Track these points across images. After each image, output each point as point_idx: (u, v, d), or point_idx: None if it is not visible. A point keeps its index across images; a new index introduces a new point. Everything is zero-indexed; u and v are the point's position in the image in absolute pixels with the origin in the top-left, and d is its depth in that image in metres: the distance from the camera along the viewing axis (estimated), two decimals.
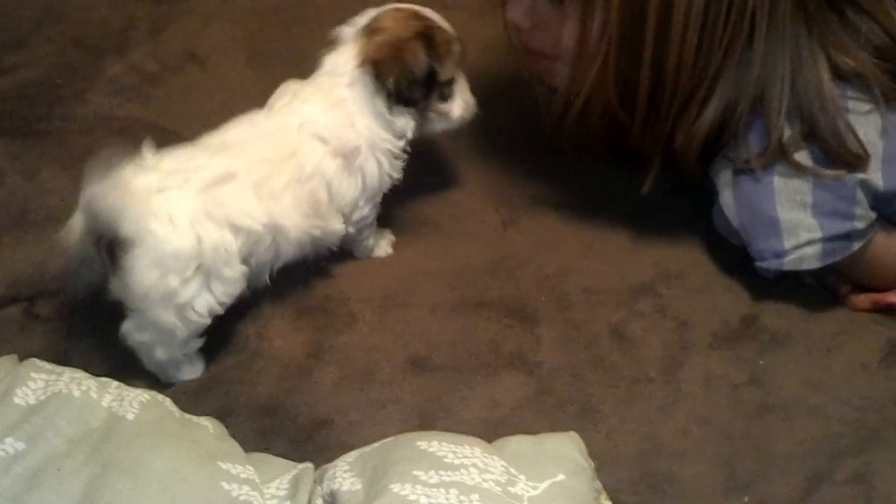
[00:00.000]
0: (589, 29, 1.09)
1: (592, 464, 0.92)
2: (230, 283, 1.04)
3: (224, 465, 0.83)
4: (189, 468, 0.81)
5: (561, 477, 0.83)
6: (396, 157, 1.15)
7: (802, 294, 1.17)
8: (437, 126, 1.20)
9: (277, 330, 1.12)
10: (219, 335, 1.10)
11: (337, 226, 1.13)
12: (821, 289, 1.18)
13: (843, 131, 1.08)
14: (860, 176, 1.08)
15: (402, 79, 1.11)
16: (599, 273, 1.19)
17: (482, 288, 1.16)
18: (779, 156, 1.09)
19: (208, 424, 0.90)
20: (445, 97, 1.18)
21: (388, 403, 1.05)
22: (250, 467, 0.85)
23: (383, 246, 1.23)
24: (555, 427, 1.01)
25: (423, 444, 0.83)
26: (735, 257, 1.21)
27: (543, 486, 0.82)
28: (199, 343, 1.07)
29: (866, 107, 1.10)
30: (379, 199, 1.18)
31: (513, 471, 0.82)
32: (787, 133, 1.09)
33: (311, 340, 1.11)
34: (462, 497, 0.77)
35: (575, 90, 1.14)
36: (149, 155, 1.03)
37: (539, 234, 1.23)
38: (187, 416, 0.90)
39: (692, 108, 1.10)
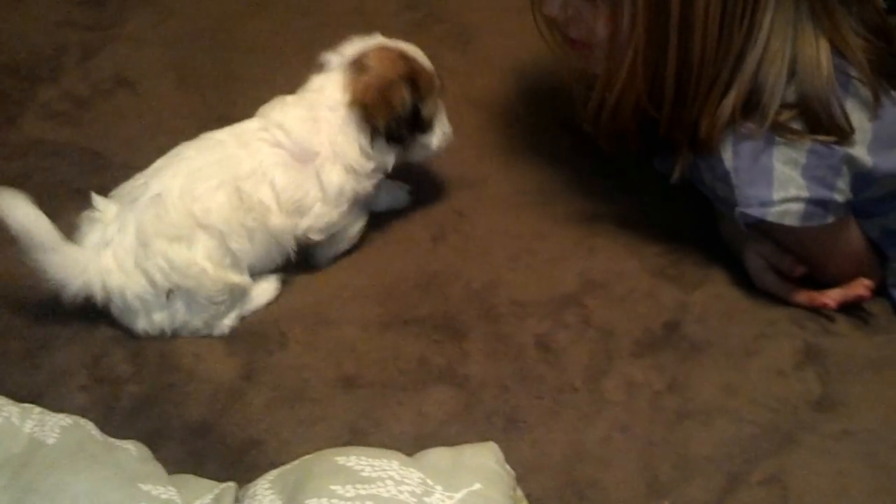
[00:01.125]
0: (619, 23, 1.13)
1: (513, 472, 0.95)
2: (202, 285, 1.11)
3: (145, 487, 0.85)
4: (109, 491, 0.82)
5: (477, 486, 0.85)
6: (366, 177, 1.20)
7: (723, 300, 1.21)
8: (418, 156, 1.26)
9: (212, 351, 1.13)
10: (154, 354, 1.12)
11: (276, 221, 1.15)
12: (746, 287, 1.23)
13: (832, 104, 1.11)
14: (847, 150, 1.12)
15: (390, 121, 1.17)
16: (526, 285, 1.22)
17: (412, 304, 1.19)
18: (775, 129, 1.12)
19: (131, 447, 0.92)
20: (425, 130, 1.22)
21: (318, 421, 1.07)
22: (172, 488, 0.87)
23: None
24: (482, 438, 1.03)
25: (340, 459, 0.85)
26: (658, 265, 1.25)
27: (459, 495, 0.84)
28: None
29: (860, 84, 1.14)
30: (356, 211, 1.22)
31: (430, 482, 0.84)
32: (783, 111, 1.12)
33: (243, 361, 1.13)
34: None
35: (609, 85, 1.17)
36: (99, 205, 1.12)
37: (467, 249, 1.26)
38: (110, 439, 0.91)
39: (716, 93, 1.13)
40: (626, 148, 1.25)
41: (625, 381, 1.12)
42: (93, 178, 1.30)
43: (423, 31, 1.56)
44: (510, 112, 1.45)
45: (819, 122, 1.12)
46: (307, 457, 0.91)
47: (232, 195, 1.13)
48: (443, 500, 0.83)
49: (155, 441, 1.03)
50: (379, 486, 0.83)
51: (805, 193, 1.12)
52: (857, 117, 1.14)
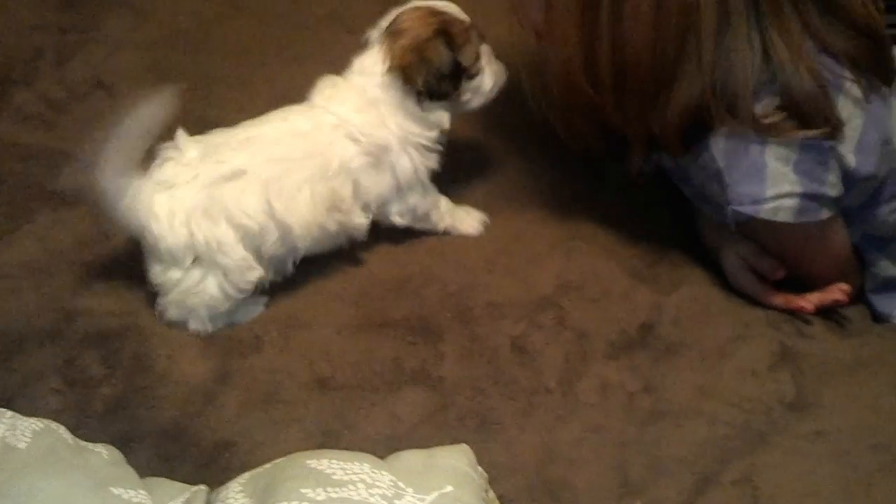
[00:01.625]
0: (554, 11, 1.14)
1: (485, 474, 0.95)
2: (232, 270, 1.11)
3: (116, 490, 0.84)
4: (80, 495, 0.81)
5: (448, 488, 0.85)
6: (430, 150, 1.22)
7: (699, 302, 1.22)
8: (474, 103, 1.26)
9: (185, 353, 1.13)
10: (127, 356, 1.12)
11: (358, 220, 1.19)
12: (723, 289, 1.24)
13: (820, 101, 1.11)
14: (834, 144, 1.12)
15: (430, 78, 1.18)
16: (502, 287, 1.22)
17: (387, 306, 1.19)
18: (765, 131, 1.11)
19: (103, 451, 0.91)
20: (473, 76, 1.23)
21: (291, 423, 1.07)
22: (143, 491, 0.86)
23: (469, 222, 1.28)
24: (456, 440, 1.03)
25: (312, 463, 0.85)
26: (635, 266, 1.26)
27: (430, 497, 0.83)
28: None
29: (850, 83, 1.14)
30: (427, 188, 1.24)
31: (401, 484, 0.84)
32: (772, 112, 1.11)
33: (217, 364, 1.12)
34: None
35: (548, 70, 1.18)
36: (182, 142, 1.13)
37: (444, 252, 1.26)
38: (82, 443, 0.91)
39: (661, 93, 1.12)
40: (590, 147, 1.25)
41: (599, 382, 1.13)
42: (68, 181, 1.30)
43: None
44: (489, 113, 1.44)
45: (809, 118, 1.12)
46: (279, 460, 0.90)
47: (317, 193, 1.14)
48: (414, 503, 0.83)
49: (128, 444, 1.03)
50: (350, 490, 0.82)
51: (798, 189, 1.12)
52: (847, 116, 1.14)
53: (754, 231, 1.20)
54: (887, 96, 1.18)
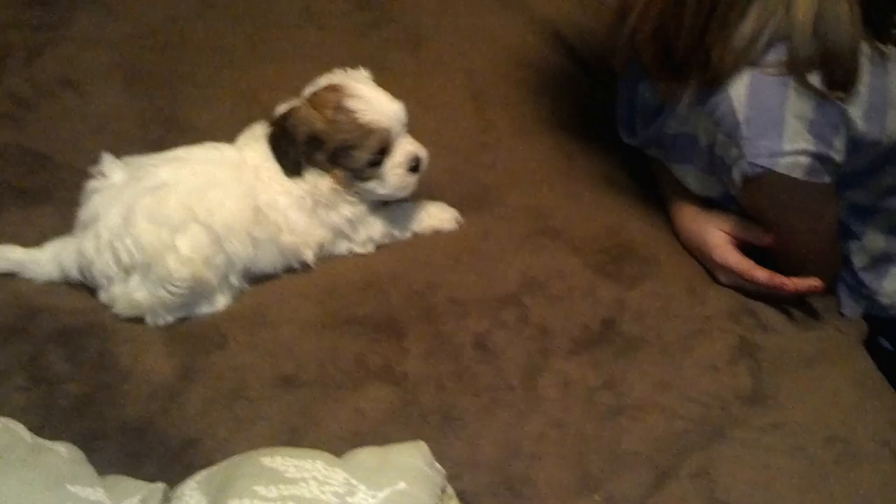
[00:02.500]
0: None
1: (443, 471, 0.96)
2: (156, 269, 1.13)
3: (73, 489, 0.86)
4: (36, 493, 0.83)
5: (402, 485, 0.86)
6: (338, 203, 1.21)
7: (661, 297, 1.23)
8: (370, 197, 1.23)
9: (150, 351, 1.13)
10: (93, 353, 1.12)
11: (288, 239, 1.20)
12: (686, 283, 1.25)
13: (856, 58, 1.13)
14: (847, 109, 1.14)
15: (274, 147, 1.19)
16: (467, 285, 1.23)
17: (352, 304, 1.19)
18: (793, 72, 1.13)
19: (61, 449, 0.92)
20: (366, 178, 1.20)
21: (255, 420, 1.08)
22: (100, 489, 0.88)
23: (443, 218, 1.29)
24: (418, 436, 1.05)
25: (266, 460, 0.87)
26: (600, 262, 1.27)
27: (383, 494, 0.85)
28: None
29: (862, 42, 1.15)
30: (374, 220, 1.24)
31: (353, 481, 0.86)
32: (805, 52, 1.12)
33: (182, 362, 1.13)
34: None
35: (629, 5, 1.17)
36: (107, 167, 1.18)
37: (411, 251, 1.27)
38: (40, 441, 0.92)
39: (732, 18, 1.12)
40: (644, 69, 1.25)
41: (561, 378, 1.14)
42: (36, 179, 1.30)
43: (374, 31, 1.57)
44: (458, 112, 1.46)
45: (837, 76, 1.13)
46: (235, 457, 0.92)
47: (244, 209, 1.17)
48: (366, 500, 0.85)
49: (93, 441, 1.05)
50: (301, 487, 0.84)
51: (812, 148, 1.14)
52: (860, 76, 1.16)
53: (754, 199, 1.21)
54: (891, 58, 1.20)
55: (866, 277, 1.29)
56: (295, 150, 1.17)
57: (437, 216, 1.29)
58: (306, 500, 0.82)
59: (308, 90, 1.21)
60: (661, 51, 1.17)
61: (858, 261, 1.28)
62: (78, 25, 1.51)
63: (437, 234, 1.29)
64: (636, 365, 1.16)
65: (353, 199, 1.22)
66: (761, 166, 1.15)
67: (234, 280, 1.19)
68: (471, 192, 1.35)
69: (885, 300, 1.29)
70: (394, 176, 1.20)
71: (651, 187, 1.38)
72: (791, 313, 1.25)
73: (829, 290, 1.30)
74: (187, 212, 1.14)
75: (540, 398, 1.12)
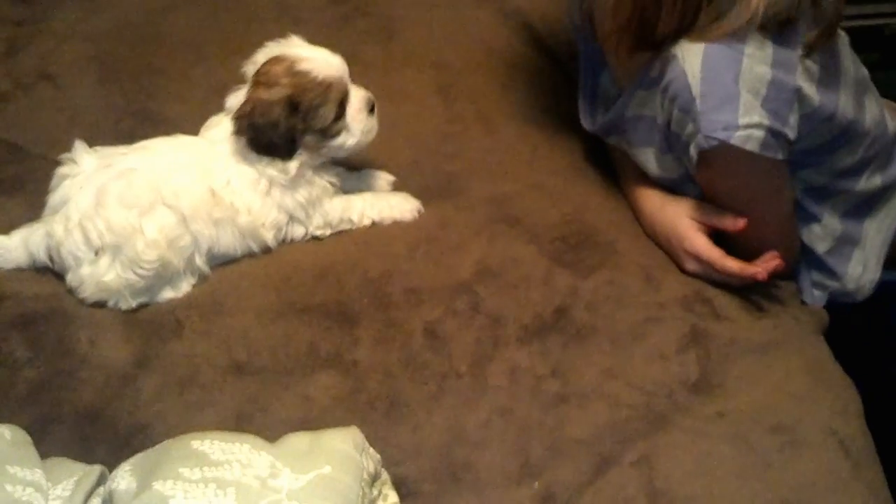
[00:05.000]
0: None
1: (377, 456, 0.98)
2: (126, 249, 1.16)
3: (12, 469, 0.89)
4: None
5: (327, 469, 0.88)
6: (297, 186, 1.23)
7: (615, 285, 1.24)
8: (338, 154, 1.26)
9: (107, 338, 1.16)
10: (52, 339, 1.15)
11: (245, 220, 1.22)
12: (642, 271, 1.26)
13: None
14: (799, 83, 1.15)
15: (257, 139, 1.19)
16: (423, 274, 1.24)
17: (308, 293, 1.21)
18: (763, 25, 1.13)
19: (6, 432, 0.96)
20: (333, 135, 1.22)
21: (206, 407, 1.11)
22: (38, 471, 0.91)
23: (404, 208, 1.31)
24: (365, 423, 1.07)
25: (195, 444, 0.89)
26: (556, 251, 1.28)
27: (307, 477, 0.87)
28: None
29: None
30: (328, 205, 1.26)
31: (279, 465, 0.88)
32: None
33: (137, 348, 1.15)
34: (219, 491, 0.83)
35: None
36: (79, 154, 1.20)
37: (369, 240, 1.28)
38: None
39: None
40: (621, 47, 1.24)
41: (509, 366, 1.15)
42: (8, 169, 1.33)
43: (348, 24, 1.58)
44: (426, 104, 1.47)
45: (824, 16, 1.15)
46: (168, 441, 0.94)
47: (203, 191, 1.20)
48: (289, 483, 0.87)
49: (48, 425, 1.08)
50: (224, 469, 0.86)
51: (766, 122, 1.15)
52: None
53: (710, 176, 1.22)
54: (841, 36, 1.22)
55: (831, 262, 1.29)
56: (279, 132, 1.18)
57: (398, 206, 1.31)
58: (227, 481, 0.84)
59: (250, 71, 1.22)
60: (641, 25, 1.18)
61: (821, 246, 1.28)
62: (57, 20, 1.55)
63: (396, 223, 1.30)
64: (585, 353, 1.16)
65: (312, 179, 1.24)
66: (716, 139, 1.15)
67: (200, 262, 1.21)
68: (434, 182, 1.36)
69: (850, 285, 1.29)
70: (357, 122, 1.23)
71: (613, 177, 1.39)
72: (748, 301, 1.24)
73: (791, 277, 1.30)
74: (155, 194, 1.17)
75: (487, 386, 1.13)
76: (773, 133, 1.15)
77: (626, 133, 1.29)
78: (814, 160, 1.24)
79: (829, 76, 1.19)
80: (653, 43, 1.18)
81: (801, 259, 1.31)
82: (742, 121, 1.14)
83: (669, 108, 1.19)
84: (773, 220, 1.26)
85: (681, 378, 1.14)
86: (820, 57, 1.18)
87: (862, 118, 1.24)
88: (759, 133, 1.15)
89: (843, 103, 1.20)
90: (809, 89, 1.17)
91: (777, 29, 1.14)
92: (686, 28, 1.16)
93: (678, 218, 1.27)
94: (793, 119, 1.16)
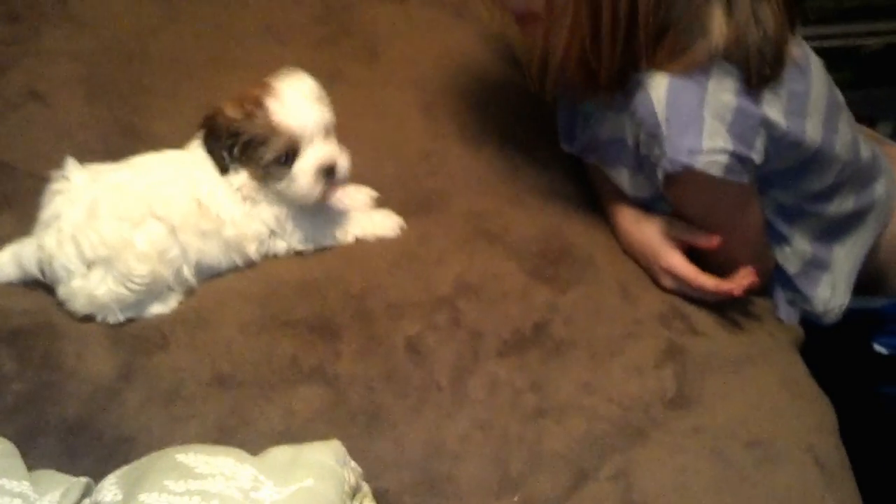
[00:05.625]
0: None
1: (358, 469, 1.00)
2: (118, 264, 1.17)
3: None
4: None
5: (309, 482, 0.90)
6: (258, 200, 1.24)
7: (594, 300, 1.26)
8: (286, 195, 1.25)
9: (94, 351, 1.18)
10: (39, 353, 1.16)
11: (230, 232, 1.24)
12: (620, 287, 1.28)
13: (780, 48, 1.17)
14: (764, 112, 1.18)
15: (204, 141, 1.23)
16: (404, 288, 1.26)
17: (291, 307, 1.23)
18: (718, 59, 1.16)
19: None
20: (276, 177, 1.22)
21: (190, 419, 1.12)
22: (26, 482, 0.92)
23: (386, 225, 1.32)
24: (346, 435, 1.09)
25: (180, 456, 0.90)
26: (535, 266, 1.30)
27: (289, 490, 0.89)
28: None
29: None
30: (306, 222, 1.28)
31: (262, 478, 0.89)
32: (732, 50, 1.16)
33: (123, 362, 1.16)
34: (203, 503, 0.84)
35: (554, 45, 1.21)
36: (71, 170, 1.22)
37: (351, 255, 1.30)
38: None
39: (650, 35, 1.16)
40: (575, 97, 1.30)
41: (489, 380, 1.17)
42: None
43: (333, 44, 1.61)
44: (409, 121, 1.49)
45: (762, 73, 1.17)
46: (154, 453, 0.96)
47: (191, 203, 1.22)
48: (272, 495, 0.88)
49: (34, 437, 1.09)
50: (209, 482, 0.88)
51: (730, 146, 1.17)
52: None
53: (678, 197, 1.25)
54: (811, 61, 1.24)
55: (800, 284, 1.31)
56: (220, 146, 1.21)
57: (380, 223, 1.33)
58: (212, 494, 0.86)
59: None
60: (588, 77, 1.21)
61: (791, 267, 1.30)
62: (46, 39, 1.56)
63: (378, 239, 1.32)
64: (564, 368, 1.18)
65: (270, 199, 1.25)
66: (681, 164, 1.17)
67: (188, 273, 1.23)
68: (416, 198, 1.38)
69: (819, 308, 1.31)
70: (300, 179, 1.22)
71: (591, 194, 1.41)
72: (724, 317, 1.27)
73: (766, 293, 1.32)
74: (146, 207, 1.20)
75: (467, 399, 1.15)
76: (738, 158, 1.18)
77: (601, 153, 1.31)
78: (782, 182, 1.27)
79: (797, 102, 1.21)
80: (605, 86, 1.21)
81: (775, 276, 1.33)
82: (706, 145, 1.17)
83: (637, 132, 1.22)
84: (742, 238, 1.28)
85: (658, 393, 1.16)
86: (787, 83, 1.20)
87: (832, 143, 1.25)
88: (723, 158, 1.17)
89: (811, 129, 1.22)
90: (776, 116, 1.19)
91: (742, 58, 1.16)
92: (631, 68, 1.19)
93: (654, 235, 1.30)
94: (759, 143, 1.19)
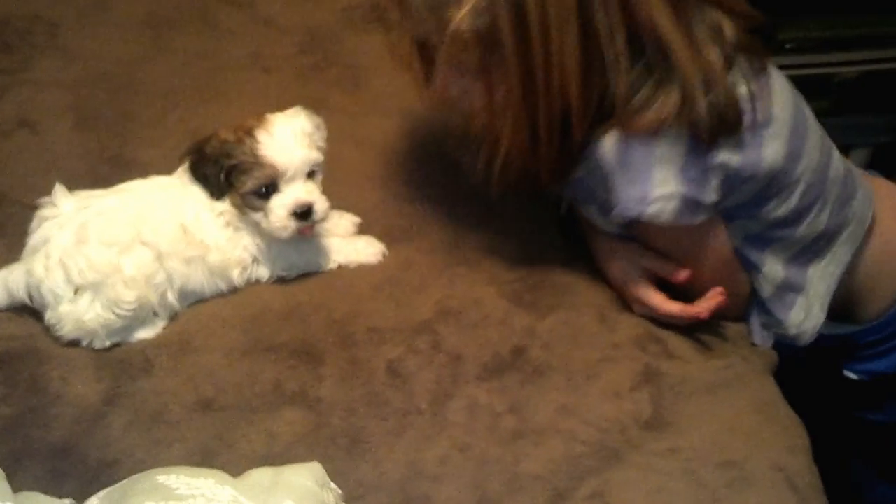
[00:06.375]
0: (495, 95, 1.20)
1: (338, 491, 1.02)
2: (107, 290, 1.19)
3: None
4: None
5: (288, 503, 0.92)
6: (241, 227, 1.27)
7: (571, 325, 1.29)
8: (260, 227, 1.27)
9: (79, 375, 1.20)
10: (25, 377, 1.18)
11: (215, 258, 1.26)
12: (598, 312, 1.30)
13: (733, 100, 1.17)
14: (717, 156, 1.18)
15: (195, 166, 1.25)
16: (385, 314, 1.28)
17: (274, 332, 1.25)
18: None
19: None
20: (252, 208, 1.25)
21: (173, 443, 1.14)
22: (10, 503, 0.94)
23: (369, 252, 1.35)
24: (327, 458, 1.11)
25: (161, 478, 0.92)
26: (515, 291, 1.32)
27: None
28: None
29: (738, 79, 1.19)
30: (290, 250, 1.30)
31: (242, 499, 0.91)
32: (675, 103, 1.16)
33: (108, 386, 1.19)
34: None
35: (496, 144, 1.23)
36: (58, 197, 1.24)
37: (334, 281, 1.32)
38: None
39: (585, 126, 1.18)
40: (521, 191, 1.31)
41: (468, 403, 1.19)
42: None
43: (317, 73, 1.64)
44: (392, 149, 1.52)
45: (712, 131, 1.17)
46: (136, 475, 0.97)
47: (176, 228, 1.25)
48: None
49: (19, 460, 1.11)
50: (189, 503, 0.89)
51: (681, 190, 1.19)
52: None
53: (642, 235, 1.27)
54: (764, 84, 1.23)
55: (773, 307, 1.33)
56: (213, 169, 1.24)
57: (363, 250, 1.35)
58: None
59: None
60: (530, 174, 1.25)
61: (764, 291, 1.32)
62: (36, 69, 1.59)
63: (361, 265, 1.34)
64: (542, 391, 1.20)
65: (250, 227, 1.27)
66: (632, 213, 1.20)
67: (172, 298, 1.25)
68: (398, 224, 1.41)
69: (792, 330, 1.33)
70: (275, 215, 1.23)
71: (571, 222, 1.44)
72: (699, 342, 1.29)
73: (741, 319, 1.35)
74: (134, 232, 1.22)
75: (447, 422, 1.17)
76: (691, 200, 1.20)
77: (573, 189, 1.33)
78: (743, 213, 1.28)
79: (753, 132, 1.21)
80: (548, 183, 1.26)
81: (751, 301, 1.35)
82: (655, 193, 1.19)
83: (591, 181, 1.25)
84: (710, 267, 1.29)
85: (634, 415, 1.18)
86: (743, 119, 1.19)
87: (793, 168, 1.25)
88: (673, 204, 1.19)
89: (770, 155, 1.22)
90: (730, 156, 1.19)
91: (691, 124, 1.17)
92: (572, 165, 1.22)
93: (625, 265, 1.32)
94: (713, 184, 1.20)
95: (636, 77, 1.17)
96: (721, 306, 1.26)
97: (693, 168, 1.19)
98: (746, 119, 1.19)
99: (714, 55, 1.17)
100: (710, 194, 1.20)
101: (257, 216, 1.25)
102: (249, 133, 1.23)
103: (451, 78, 1.24)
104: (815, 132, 1.31)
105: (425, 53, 1.25)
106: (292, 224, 1.24)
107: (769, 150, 1.22)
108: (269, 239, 1.28)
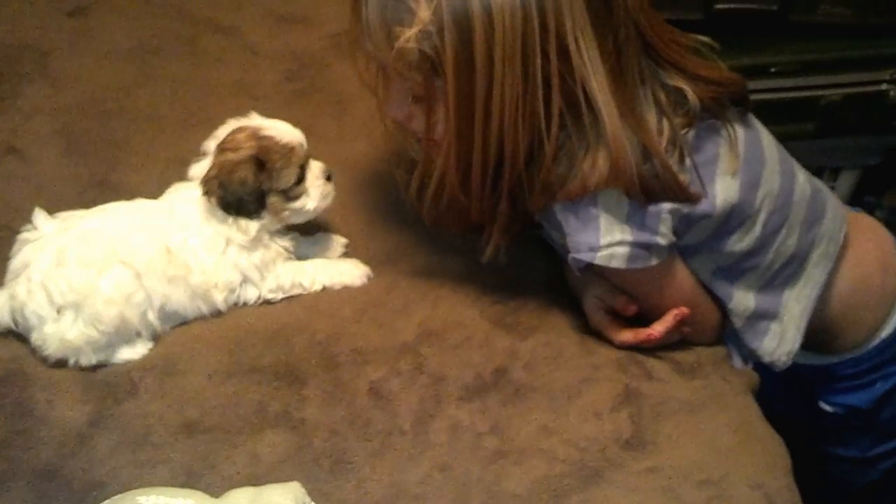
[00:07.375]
0: (434, 123, 1.22)
1: None
2: (87, 308, 1.21)
3: None
4: None
5: None
6: (254, 247, 1.29)
7: (553, 346, 1.30)
8: (297, 219, 1.32)
9: (64, 398, 1.20)
10: (12, 400, 1.19)
11: (197, 279, 1.27)
12: (578, 334, 1.32)
13: (670, 171, 1.18)
14: (667, 206, 1.20)
15: (226, 198, 1.25)
16: (368, 336, 1.30)
17: (258, 354, 1.26)
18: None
19: None
20: (294, 198, 1.30)
21: (158, 465, 1.14)
22: None
23: (354, 274, 1.37)
24: (310, 479, 1.12)
25: (141, 499, 0.94)
26: (496, 313, 1.34)
27: None
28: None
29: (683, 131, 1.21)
30: (280, 270, 1.33)
31: None
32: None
33: (93, 409, 1.19)
34: None
35: (429, 172, 1.26)
36: (39, 220, 1.27)
37: (318, 304, 1.34)
38: None
39: (538, 170, 1.19)
40: (451, 226, 1.34)
41: (450, 423, 1.20)
42: None
43: (303, 99, 1.66)
44: (377, 174, 1.54)
45: (649, 195, 1.19)
46: (117, 496, 0.99)
47: (159, 250, 1.26)
48: None
49: (6, 483, 1.12)
50: None
51: (629, 237, 1.21)
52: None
53: (602, 273, 1.28)
54: (718, 128, 1.24)
55: (745, 337, 1.33)
56: (248, 190, 1.25)
57: (348, 273, 1.37)
58: None
59: (211, 145, 1.30)
60: (461, 208, 1.27)
61: (736, 322, 1.33)
62: (25, 96, 1.61)
63: (344, 289, 1.36)
64: (523, 411, 1.22)
65: (268, 243, 1.30)
66: (583, 261, 1.23)
67: (152, 317, 1.26)
68: (383, 248, 1.42)
69: (766, 358, 1.34)
70: (316, 188, 1.31)
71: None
72: (679, 363, 1.31)
73: (720, 342, 1.36)
74: (112, 253, 1.24)
75: (429, 442, 1.18)
76: (640, 245, 1.21)
77: (545, 229, 1.34)
78: (705, 248, 1.28)
79: (703, 169, 1.22)
80: (478, 220, 1.28)
81: (727, 326, 1.35)
82: (604, 241, 1.21)
83: (549, 227, 1.28)
84: (673, 302, 1.29)
85: (614, 435, 1.19)
86: (693, 156, 1.21)
87: (752, 197, 1.25)
88: (623, 249, 1.21)
89: (723, 190, 1.23)
90: (678, 203, 1.21)
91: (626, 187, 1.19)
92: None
93: (585, 294, 1.34)
94: (664, 227, 1.21)
95: (567, 137, 1.18)
96: (680, 317, 1.27)
97: (639, 215, 1.21)
98: (699, 148, 1.21)
99: (656, 124, 1.19)
100: (662, 238, 1.22)
101: (300, 202, 1.29)
102: (259, 137, 1.26)
103: (398, 100, 1.27)
104: (772, 156, 1.30)
105: (385, 76, 1.28)
106: (330, 187, 1.32)
107: (720, 188, 1.23)
108: (265, 258, 1.30)
